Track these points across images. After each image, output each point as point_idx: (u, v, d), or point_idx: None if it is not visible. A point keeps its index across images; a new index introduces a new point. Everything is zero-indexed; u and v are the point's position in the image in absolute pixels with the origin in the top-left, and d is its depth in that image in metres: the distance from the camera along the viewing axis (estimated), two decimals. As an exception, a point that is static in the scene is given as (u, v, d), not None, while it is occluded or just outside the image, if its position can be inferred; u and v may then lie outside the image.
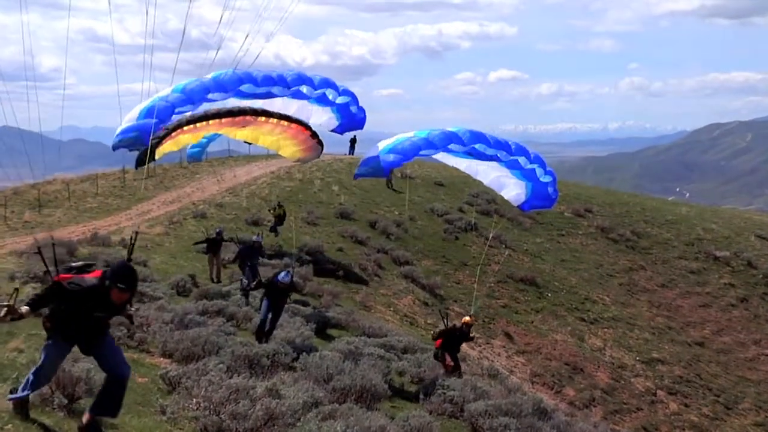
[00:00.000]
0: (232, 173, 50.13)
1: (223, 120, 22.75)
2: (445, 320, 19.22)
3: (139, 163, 21.68)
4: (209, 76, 20.99)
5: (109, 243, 29.65)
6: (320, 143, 26.32)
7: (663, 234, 55.39)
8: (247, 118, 23.12)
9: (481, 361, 29.67)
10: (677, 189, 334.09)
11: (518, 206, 20.37)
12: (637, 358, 38.21)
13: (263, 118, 23.76)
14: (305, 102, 24.07)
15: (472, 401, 15.23)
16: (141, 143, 19.39)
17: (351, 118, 24.54)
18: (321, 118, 24.53)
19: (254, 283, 19.83)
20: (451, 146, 18.52)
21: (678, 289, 47.85)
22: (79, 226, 35.21)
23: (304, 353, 15.77)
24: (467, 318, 19.30)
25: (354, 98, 24.68)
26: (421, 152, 18.63)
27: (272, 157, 59.20)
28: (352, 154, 65.94)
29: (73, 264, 8.79)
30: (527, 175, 19.63)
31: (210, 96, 20.93)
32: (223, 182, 47.56)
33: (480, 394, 16.01)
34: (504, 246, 46.07)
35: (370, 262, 36.55)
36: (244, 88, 21.74)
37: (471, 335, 19.59)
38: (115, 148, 20.20)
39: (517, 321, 37.74)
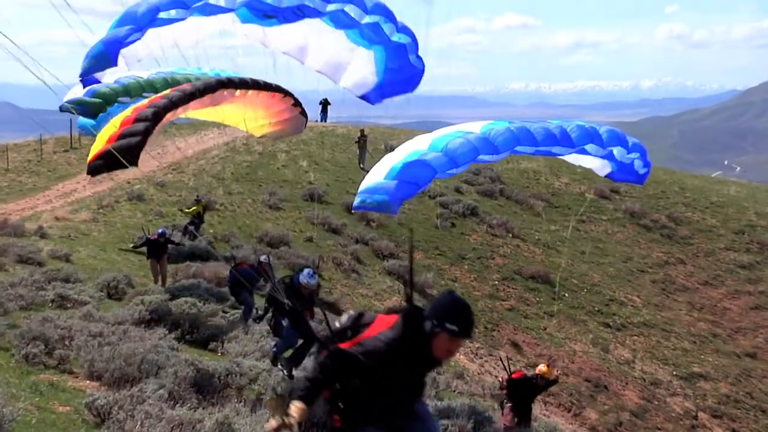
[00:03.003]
0: (176, 145, 49.96)
1: (192, 103, 21.43)
2: (507, 367, 18.76)
3: (100, 170, 20.39)
4: None
5: (23, 232, 29.50)
6: (303, 113, 23.55)
7: (707, 220, 55.68)
8: (217, 95, 21.88)
9: (482, 378, 29.79)
10: (725, 162, 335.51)
11: (606, 176, 20.22)
12: (674, 373, 38.44)
13: (241, 92, 22.43)
14: (343, 35, 19.37)
15: (470, 430, 15.30)
16: (104, 62, 18.47)
17: (403, 73, 19.55)
18: (358, 71, 19.70)
19: (262, 309, 18.06)
20: (481, 157, 17.24)
21: (725, 288, 48.13)
22: (-15, 210, 35.07)
23: (264, 373, 15.77)
24: (543, 367, 18.40)
25: (414, 40, 19.72)
26: (443, 172, 16.97)
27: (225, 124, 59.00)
28: (325, 120, 65.85)
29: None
30: (605, 158, 19.43)
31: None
32: (165, 156, 47.38)
33: (481, 419, 16.09)
34: (511, 235, 46.19)
35: (347, 255, 36.59)
36: None
37: (545, 385, 18.25)
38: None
39: (526, 327, 37.88)
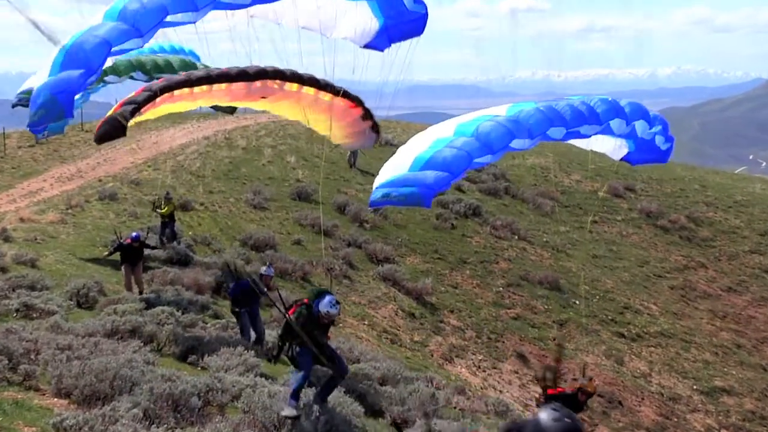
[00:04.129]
0: (152, 139, 49.97)
1: (234, 85, 20.89)
2: (542, 384, 18.49)
3: (104, 137, 20.12)
4: None
5: (-16, 235, 29.52)
6: (375, 128, 22.50)
7: (730, 220, 55.79)
8: (268, 84, 21.17)
9: (485, 393, 29.82)
10: (750, 157, 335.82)
11: (622, 159, 19.80)
12: (695, 387, 38.50)
13: (292, 86, 21.58)
14: None
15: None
16: (57, 113, 18.00)
17: (405, 16, 19.76)
18: (355, 18, 19.89)
19: (277, 342, 16.49)
20: (515, 143, 16.53)
21: (750, 295, 48.22)
22: (-56, 211, 35.04)
23: (247, 389, 15.75)
24: (585, 381, 18.11)
25: None
26: (476, 161, 16.29)
27: (206, 116, 59.02)
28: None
29: None
30: (627, 135, 19.06)
31: (171, 17, 18.68)
32: (141, 151, 47.37)
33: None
34: (516, 237, 46.24)
35: (338, 260, 36.62)
36: None
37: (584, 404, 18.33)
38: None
39: (533, 338, 37.93)
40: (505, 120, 16.28)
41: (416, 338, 33.54)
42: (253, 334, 21.77)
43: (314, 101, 20.84)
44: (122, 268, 26.24)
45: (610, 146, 19.26)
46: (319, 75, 20.76)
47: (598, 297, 42.98)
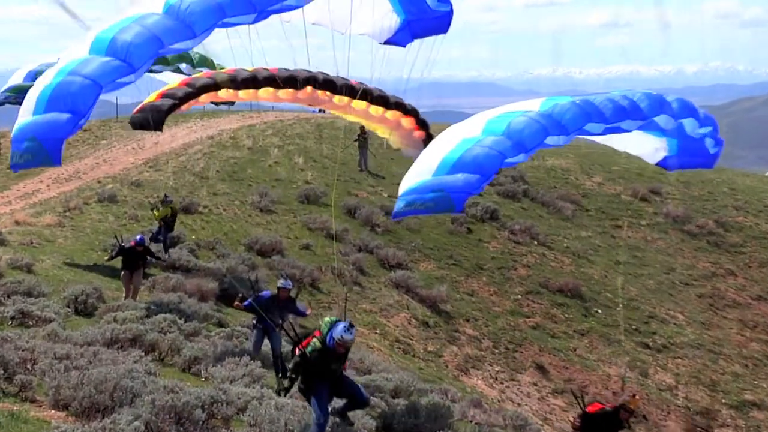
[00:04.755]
0: (154, 138, 50.03)
1: (281, 92, 20.61)
2: (581, 401, 18.35)
3: (139, 125, 19.58)
4: None
5: (-23, 240, 29.58)
6: (427, 137, 22.69)
7: (760, 225, 55.58)
8: (318, 96, 20.70)
9: (503, 406, 29.77)
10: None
11: (659, 164, 18.90)
12: (724, 401, 38.38)
13: (342, 99, 21.24)
14: None
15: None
16: (42, 160, 15.82)
17: (427, 13, 19.89)
18: (374, 14, 19.80)
19: (288, 376, 15.49)
20: (549, 139, 16.11)
21: (781, 303, 48.07)
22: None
23: (254, 401, 15.76)
24: (627, 398, 17.79)
25: None
26: (508, 160, 15.84)
27: (210, 115, 59.13)
28: (323, 111, 65.77)
29: None
30: (672, 134, 18.00)
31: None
32: (141, 151, 47.46)
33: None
34: (536, 242, 46.18)
35: (348, 265, 36.59)
36: None
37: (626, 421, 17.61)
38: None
39: (553, 348, 37.88)
40: (539, 115, 15.89)
41: (430, 348, 33.53)
42: (265, 347, 21.06)
43: (366, 114, 20.98)
44: (122, 274, 26.04)
45: (648, 148, 18.68)
46: (331, 71, 20.76)
47: (621, 306, 42.85)
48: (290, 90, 20.03)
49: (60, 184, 41.28)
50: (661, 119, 17.20)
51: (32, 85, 24.79)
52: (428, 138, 22.02)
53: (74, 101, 15.56)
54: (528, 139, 15.51)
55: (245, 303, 20.85)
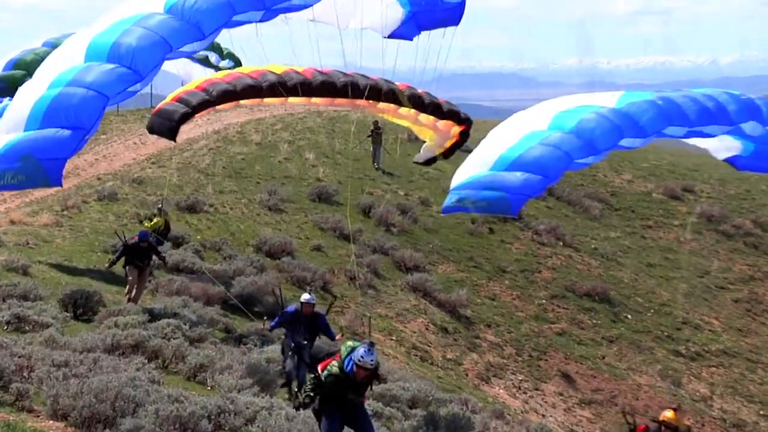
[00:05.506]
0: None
1: (316, 99, 19.80)
2: (630, 420, 18.12)
3: (154, 131, 18.29)
4: None
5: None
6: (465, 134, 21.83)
7: (801, 225, 55.34)
8: (358, 102, 19.91)
9: (526, 417, 29.75)
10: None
11: (727, 161, 18.01)
12: (762, 413, 38.28)
13: (387, 105, 20.45)
14: None
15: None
16: (41, 181, 15.34)
17: (433, 4, 19.55)
18: (376, 6, 19.24)
19: (304, 393, 14.90)
20: (624, 141, 15.55)
21: (823, 309, 47.89)
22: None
23: (263, 411, 15.77)
24: (669, 414, 17.45)
25: None
26: (576, 162, 15.35)
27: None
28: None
29: None
30: (753, 138, 17.29)
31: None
32: (143, 146, 47.54)
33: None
34: (561, 243, 46.11)
35: (362, 268, 36.55)
36: None
37: None
38: None
39: (580, 356, 37.83)
40: (613, 114, 15.23)
41: (449, 356, 33.52)
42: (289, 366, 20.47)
43: (415, 120, 20.54)
44: (126, 270, 25.66)
45: (718, 144, 17.84)
46: (339, 63, 20.27)
47: (652, 311, 42.79)
48: (326, 98, 19.42)
49: (57, 181, 41.36)
50: (749, 126, 16.57)
51: (11, 76, 24.45)
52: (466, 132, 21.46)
53: (77, 115, 14.80)
54: (600, 139, 15.00)
55: (272, 323, 20.93)
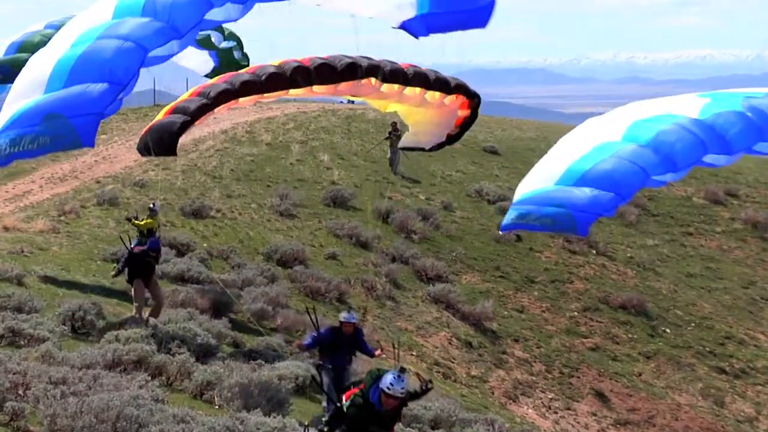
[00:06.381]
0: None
1: (317, 88, 19.11)
2: None
3: (148, 151, 17.54)
4: None
5: (-36, 248, 29.76)
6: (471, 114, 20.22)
7: None
8: (362, 83, 19.24)
9: (557, 439, 29.74)
10: None
11: None
12: (811, 434, 38.20)
13: (391, 87, 19.74)
14: None
15: None
16: (71, 142, 15.14)
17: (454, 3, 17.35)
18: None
19: (322, 424, 14.83)
20: (708, 157, 14.70)
21: None
22: None
23: (275, 432, 15.80)
24: None
25: None
26: (653, 179, 14.58)
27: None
28: (352, 102, 65.74)
29: None
30: None
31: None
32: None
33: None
34: (594, 252, 46.04)
35: (381, 278, 36.60)
36: None
37: None
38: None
39: (615, 373, 37.78)
40: (696, 125, 14.31)
41: (474, 372, 33.51)
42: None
43: (422, 100, 19.56)
44: (133, 284, 25.10)
45: None
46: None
47: (693, 324, 42.67)
48: (328, 85, 18.98)
49: (54, 184, 41.56)
50: None
51: (15, 59, 23.70)
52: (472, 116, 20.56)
53: (112, 68, 13.93)
54: (680, 155, 14.18)
55: (306, 342, 20.40)
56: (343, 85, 18.61)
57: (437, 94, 19.56)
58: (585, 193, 14.01)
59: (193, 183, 42.25)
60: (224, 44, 30.74)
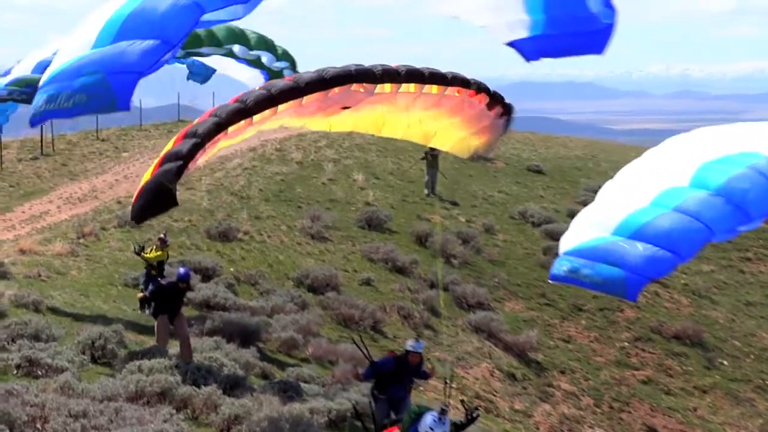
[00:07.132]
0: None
1: (307, 103, 18.33)
2: None
3: (147, 213, 16.77)
4: None
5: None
6: (507, 116, 19.36)
7: None
8: (355, 89, 18.66)
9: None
10: None
11: None
12: None
13: (389, 87, 19.24)
14: None
15: None
16: (108, 102, 14.01)
17: (571, 23, 17.09)
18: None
19: None
20: None
21: None
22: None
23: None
24: None
25: None
26: (721, 234, 14.13)
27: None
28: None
29: None
30: None
31: None
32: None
33: None
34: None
35: (418, 305, 36.59)
36: None
37: None
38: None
39: (668, 407, 37.63)
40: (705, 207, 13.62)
41: (517, 406, 33.43)
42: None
43: (418, 98, 18.85)
44: (157, 320, 24.71)
45: None
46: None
47: (752, 356, 42.49)
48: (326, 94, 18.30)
49: (73, 204, 41.75)
50: None
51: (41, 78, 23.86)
52: (506, 114, 19.70)
53: (163, 25, 13.90)
54: (754, 204, 13.61)
55: (365, 372, 20.44)
56: (313, 101, 17.54)
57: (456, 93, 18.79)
58: (640, 251, 13.63)
59: (219, 203, 42.33)
60: (276, 65, 31.04)
